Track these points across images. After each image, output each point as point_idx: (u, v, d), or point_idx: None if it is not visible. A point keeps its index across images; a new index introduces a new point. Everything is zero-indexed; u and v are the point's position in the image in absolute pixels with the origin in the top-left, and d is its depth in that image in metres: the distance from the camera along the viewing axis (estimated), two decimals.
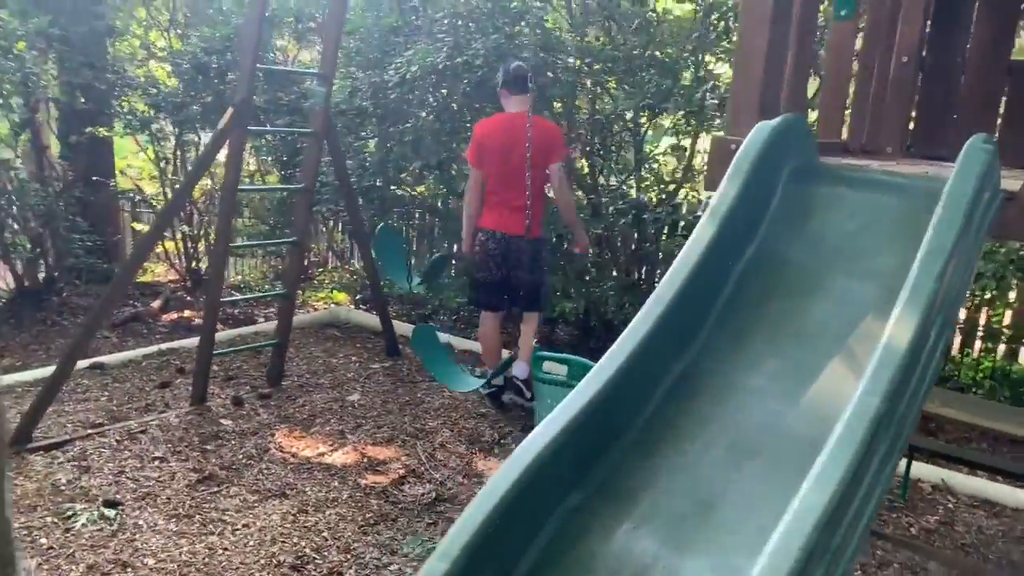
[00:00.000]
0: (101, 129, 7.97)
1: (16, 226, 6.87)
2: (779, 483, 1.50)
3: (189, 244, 8.41)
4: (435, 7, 6.42)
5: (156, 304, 7.55)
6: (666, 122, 6.32)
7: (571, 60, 5.86)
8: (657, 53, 5.78)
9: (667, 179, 5.98)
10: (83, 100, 7.39)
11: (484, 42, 5.49)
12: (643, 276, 6.71)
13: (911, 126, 3.33)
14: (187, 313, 7.50)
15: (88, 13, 7.04)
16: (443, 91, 5.76)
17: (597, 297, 5.85)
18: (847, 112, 3.15)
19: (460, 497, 3.80)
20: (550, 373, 3.51)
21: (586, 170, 6.25)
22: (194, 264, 8.51)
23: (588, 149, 6.21)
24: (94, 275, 7.90)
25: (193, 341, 5.91)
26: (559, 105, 6.05)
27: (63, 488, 3.55)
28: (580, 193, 6.17)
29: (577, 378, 3.15)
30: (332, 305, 7.21)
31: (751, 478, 1.55)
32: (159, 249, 9.29)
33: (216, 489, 3.66)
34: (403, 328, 5.99)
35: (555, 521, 1.52)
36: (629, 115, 5.91)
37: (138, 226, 9.70)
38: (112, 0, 7.46)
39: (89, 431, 4.14)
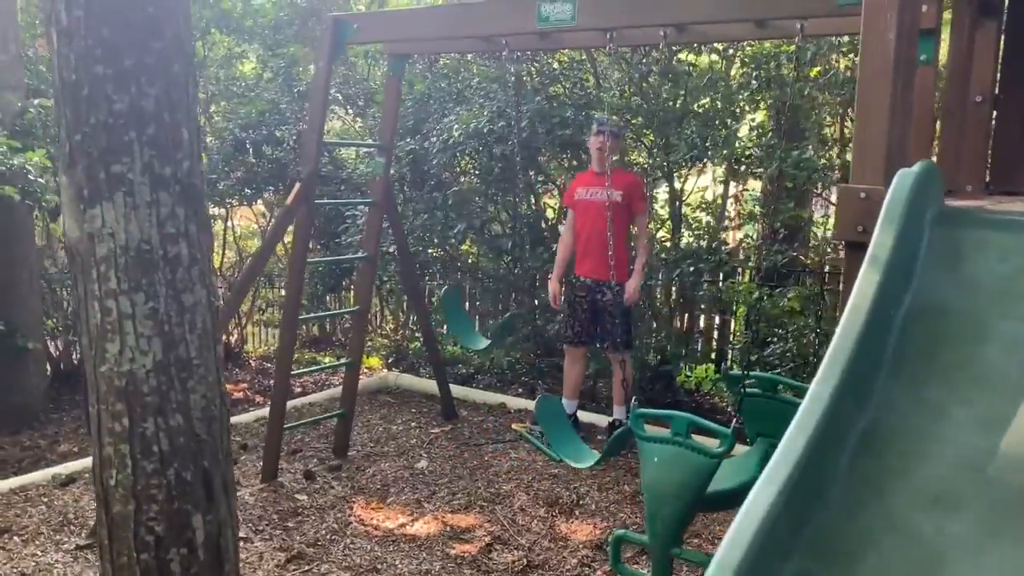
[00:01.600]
0: None
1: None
2: (1003, 534, 1.47)
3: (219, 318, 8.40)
4: (468, 74, 6.54)
5: None
6: (707, 173, 6.42)
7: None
8: (695, 106, 5.87)
9: (713, 226, 5.99)
10: None
11: (528, 104, 5.57)
12: (686, 324, 6.73)
13: (988, 164, 3.36)
14: (228, 387, 7.46)
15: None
16: (492, 153, 5.80)
17: (651, 347, 5.85)
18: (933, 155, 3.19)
19: (552, 562, 3.72)
20: (652, 431, 3.41)
21: None
22: (225, 338, 8.49)
23: None
24: None
25: (246, 416, 5.91)
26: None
27: None
28: None
29: (682, 434, 3.11)
30: (384, 371, 7.13)
31: (968, 531, 1.52)
32: None
33: (307, 568, 3.59)
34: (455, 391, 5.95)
35: None
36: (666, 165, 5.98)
37: None
38: None
39: None
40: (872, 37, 2.22)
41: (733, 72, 6.24)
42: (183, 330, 2.04)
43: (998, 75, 3.28)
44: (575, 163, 6.12)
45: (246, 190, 7.27)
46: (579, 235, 4.99)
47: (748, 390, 3.91)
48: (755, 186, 7.85)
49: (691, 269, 5.96)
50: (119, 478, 2.04)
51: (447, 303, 4.78)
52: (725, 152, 5.86)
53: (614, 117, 4.75)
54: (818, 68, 5.56)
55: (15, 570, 3.55)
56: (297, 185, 4.13)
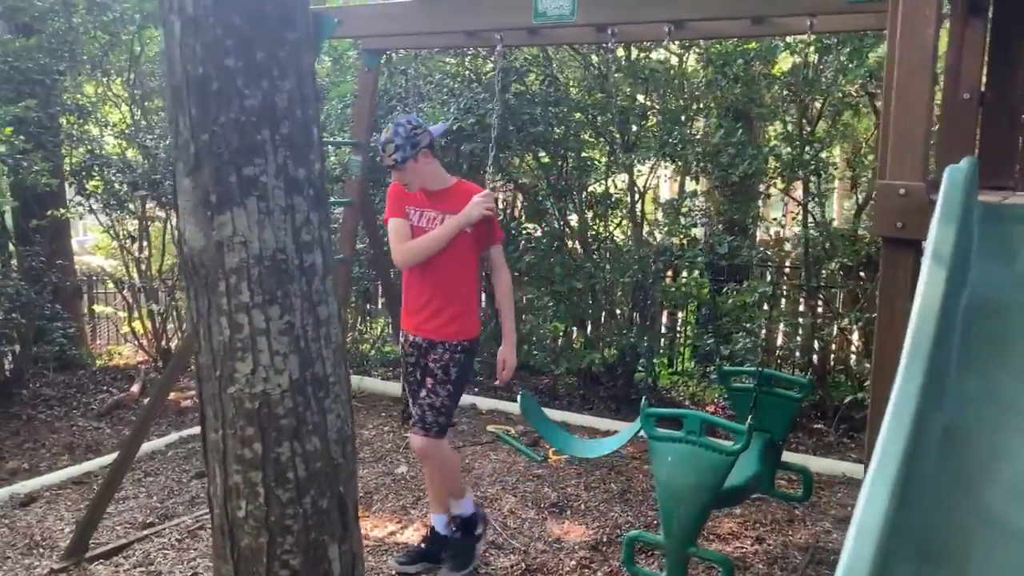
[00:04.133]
0: (62, 210, 7.64)
1: None
2: None
3: (158, 322, 8.09)
4: (425, 69, 6.42)
5: (135, 389, 7.20)
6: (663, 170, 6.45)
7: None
8: (657, 105, 5.91)
9: (685, 223, 6.02)
10: (46, 184, 7.09)
11: (494, 101, 5.49)
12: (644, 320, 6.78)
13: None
14: (172, 395, 7.17)
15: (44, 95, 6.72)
16: (460, 151, 5.69)
17: (625, 346, 5.87)
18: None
19: (549, 566, 3.68)
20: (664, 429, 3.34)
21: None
22: (164, 343, 8.17)
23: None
24: (62, 362, 7.50)
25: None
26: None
27: None
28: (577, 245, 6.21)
29: (696, 433, 3.10)
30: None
31: None
32: (125, 330, 8.93)
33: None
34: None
35: None
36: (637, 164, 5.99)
37: (99, 308, 9.29)
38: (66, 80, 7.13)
39: (144, 532, 3.87)
40: (910, 32, 2.25)
41: (691, 70, 6.30)
42: (319, 345, 1.86)
43: (984, 72, 3.39)
44: (545, 160, 6.06)
45: None
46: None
47: (737, 385, 3.95)
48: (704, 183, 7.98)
49: (652, 266, 6.01)
50: (249, 508, 1.85)
51: (529, 415, 4.29)
52: (683, 150, 5.91)
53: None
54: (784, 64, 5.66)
55: None
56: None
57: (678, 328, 7.56)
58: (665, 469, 3.10)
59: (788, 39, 5.29)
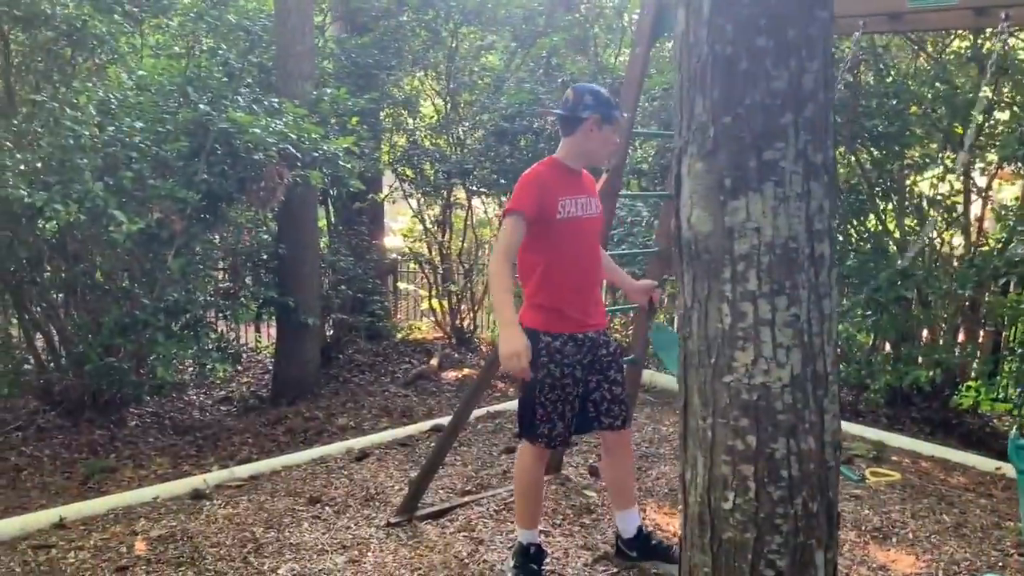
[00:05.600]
0: (381, 195, 8.33)
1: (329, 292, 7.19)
2: None
3: (455, 302, 8.58)
4: None
5: (434, 362, 7.70)
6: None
7: None
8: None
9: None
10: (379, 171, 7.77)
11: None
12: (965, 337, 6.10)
13: None
14: (465, 371, 7.59)
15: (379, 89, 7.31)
16: None
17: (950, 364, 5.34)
18: None
19: None
20: None
21: None
22: (458, 322, 8.67)
23: None
24: (370, 333, 8.19)
25: (513, 404, 5.92)
26: None
27: (467, 562, 3.47)
28: None
29: None
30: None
31: None
32: (424, 306, 9.61)
33: (616, 570, 3.47)
34: None
35: None
36: None
37: (402, 286, 10.06)
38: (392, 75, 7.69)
39: (464, 499, 4.10)
40: None
41: None
42: (822, 340, 1.80)
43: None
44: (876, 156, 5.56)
45: (501, 180, 7.31)
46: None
47: None
48: None
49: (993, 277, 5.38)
50: (737, 502, 1.83)
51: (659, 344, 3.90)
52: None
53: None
54: None
55: (335, 540, 3.67)
56: (604, 175, 4.01)
57: (1003, 349, 6.75)
58: None
59: None
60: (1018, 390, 6.43)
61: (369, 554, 3.53)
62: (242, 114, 4.95)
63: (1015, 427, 2.99)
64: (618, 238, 6.63)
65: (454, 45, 8.04)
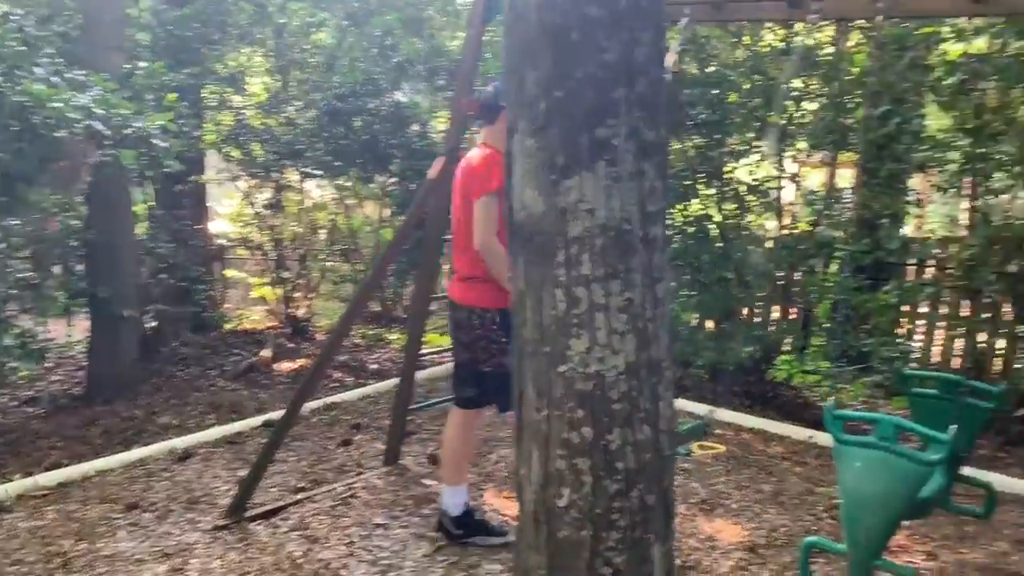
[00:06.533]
0: (203, 177, 7.87)
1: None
2: None
3: (289, 290, 8.30)
4: None
5: (266, 353, 7.38)
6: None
7: None
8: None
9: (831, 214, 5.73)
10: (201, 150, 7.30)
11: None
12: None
13: None
14: (300, 362, 7.33)
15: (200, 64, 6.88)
16: None
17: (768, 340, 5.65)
18: None
19: (704, 564, 3.54)
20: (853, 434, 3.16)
21: None
22: (293, 310, 8.38)
23: None
24: (196, 324, 7.76)
25: (350, 394, 5.77)
26: None
27: (301, 562, 3.32)
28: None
29: (889, 439, 2.90)
30: None
31: None
32: (255, 295, 9.20)
33: (456, 559, 3.43)
34: None
35: None
36: None
37: (230, 273, 9.58)
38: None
39: (297, 496, 3.93)
40: None
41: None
42: (655, 326, 1.73)
43: None
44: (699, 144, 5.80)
45: (336, 162, 7.08)
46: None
47: (920, 390, 3.71)
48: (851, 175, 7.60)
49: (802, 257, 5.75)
50: (572, 498, 1.74)
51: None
52: (845, 137, 5.61)
53: None
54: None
55: (155, 548, 3.41)
56: (440, 159, 3.94)
57: (812, 326, 7.27)
58: (852, 476, 2.91)
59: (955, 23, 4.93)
60: (827, 363, 6.97)
61: (193, 560, 3.31)
62: (41, 86, 4.48)
63: (831, 399, 3.15)
64: None
65: (283, 21, 7.69)
